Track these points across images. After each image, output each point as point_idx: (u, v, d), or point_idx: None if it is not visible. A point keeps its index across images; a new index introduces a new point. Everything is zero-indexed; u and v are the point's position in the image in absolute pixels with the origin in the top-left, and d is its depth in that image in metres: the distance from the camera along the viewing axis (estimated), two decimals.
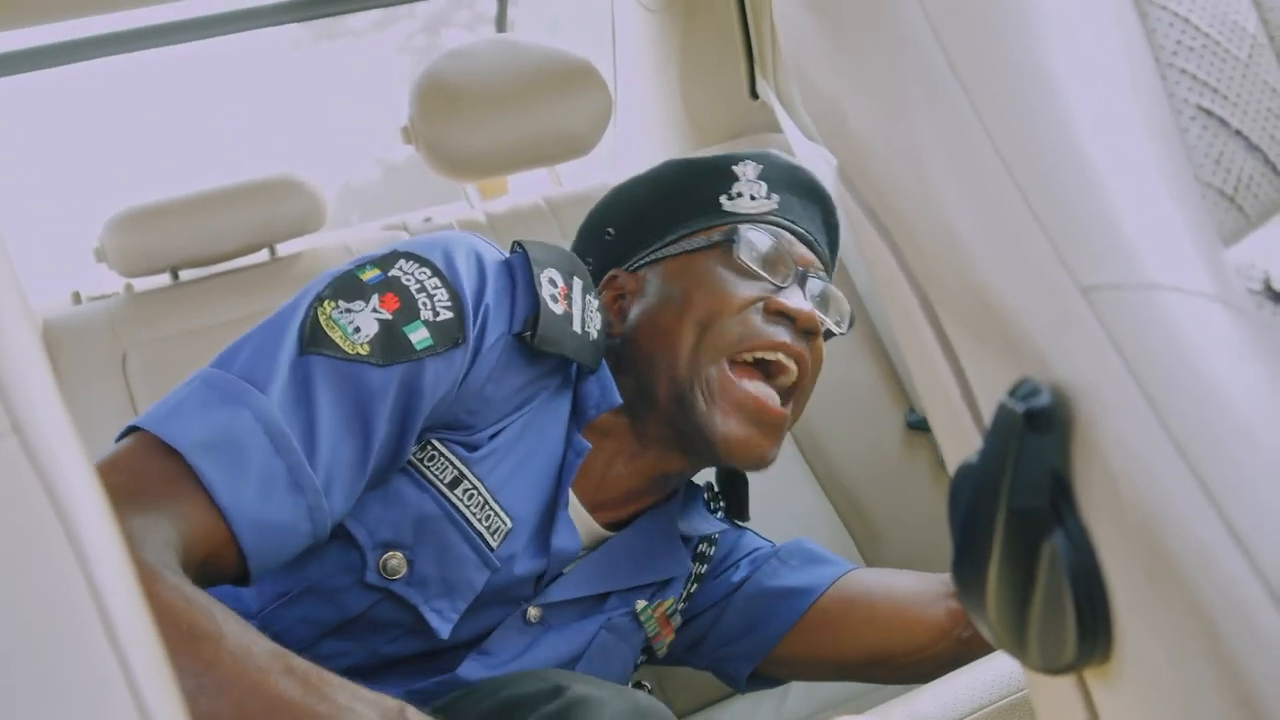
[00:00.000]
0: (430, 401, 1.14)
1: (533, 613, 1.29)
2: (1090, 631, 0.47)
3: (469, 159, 1.98)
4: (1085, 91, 0.51)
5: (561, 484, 1.27)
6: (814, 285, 1.34)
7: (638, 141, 2.52)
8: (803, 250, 1.35)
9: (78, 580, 0.37)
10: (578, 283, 1.27)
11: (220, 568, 1.04)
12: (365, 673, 1.23)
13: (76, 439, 0.41)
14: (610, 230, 1.43)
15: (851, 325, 1.40)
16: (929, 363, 0.56)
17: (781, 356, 1.27)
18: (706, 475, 1.54)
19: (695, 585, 1.44)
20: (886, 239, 0.56)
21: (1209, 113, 0.53)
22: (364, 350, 1.10)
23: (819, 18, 0.59)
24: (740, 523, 1.52)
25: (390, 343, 1.11)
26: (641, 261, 1.38)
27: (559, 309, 1.21)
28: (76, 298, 2.07)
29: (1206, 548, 0.41)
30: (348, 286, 1.14)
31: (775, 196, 1.37)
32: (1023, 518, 0.47)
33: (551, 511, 1.27)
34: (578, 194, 2.17)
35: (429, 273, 1.16)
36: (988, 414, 0.49)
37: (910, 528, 1.87)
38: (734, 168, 1.38)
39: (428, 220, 2.16)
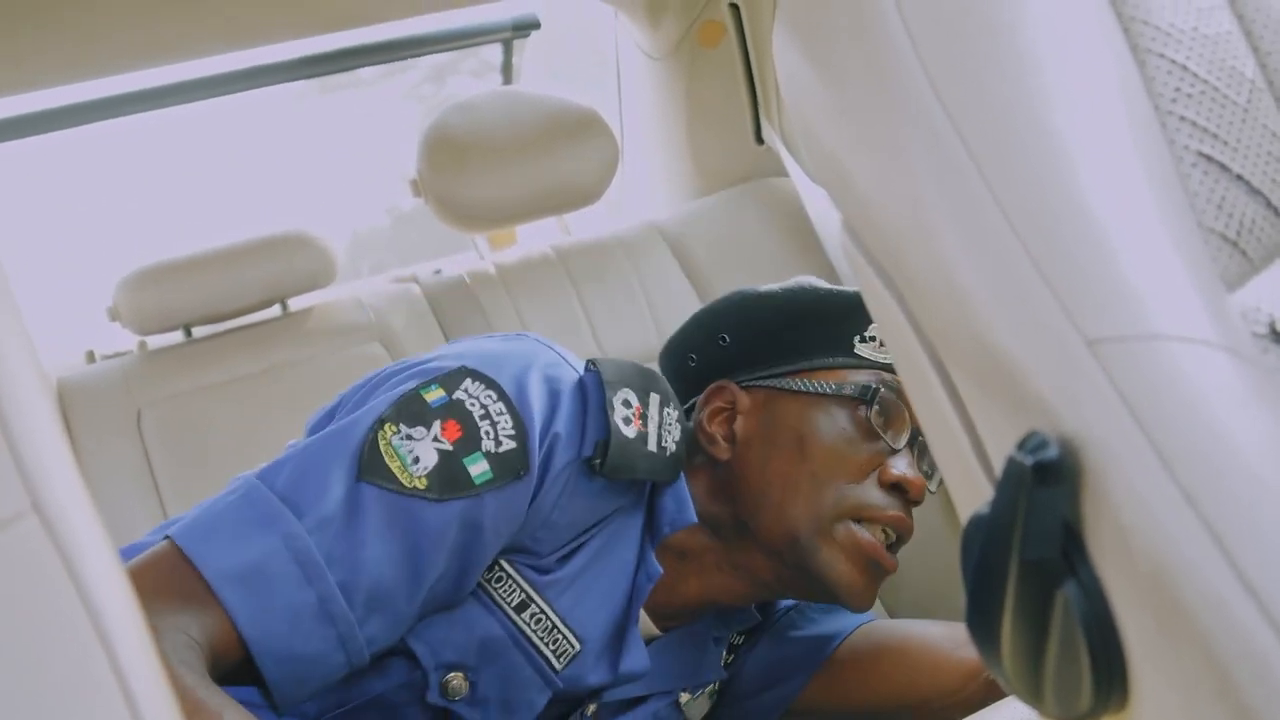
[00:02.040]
0: (493, 534, 1.12)
1: (590, 709, 1.29)
2: (1106, 681, 0.47)
3: (478, 211, 2.00)
4: (1085, 142, 0.51)
5: (632, 606, 1.26)
6: (919, 442, 1.32)
7: (645, 188, 2.53)
8: None
9: (101, 661, 0.37)
10: (654, 398, 1.23)
11: (242, 673, 1.03)
12: None
13: (96, 515, 0.41)
14: (725, 337, 1.38)
15: (940, 483, 1.35)
16: (939, 414, 0.56)
17: (889, 529, 1.27)
18: None
19: (732, 657, 1.44)
20: (893, 292, 0.57)
21: (1209, 158, 0.54)
22: (421, 485, 1.07)
23: (820, 73, 0.59)
24: None
25: (449, 477, 1.08)
26: (759, 381, 1.34)
27: (632, 431, 1.18)
28: (91, 356, 2.08)
29: (1218, 597, 0.41)
30: (411, 410, 1.11)
31: None
32: (1035, 568, 0.47)
33: (620, 631, 1.26)
34: (586, 243, 2.18)
35: (494, 396, 1.13)
36: (998, 465, 0.49)
37: (928, 571, 1.85)
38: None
39: (438, 272, 2.16)
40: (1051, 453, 0.46)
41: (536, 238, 2.40)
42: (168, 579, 1.01)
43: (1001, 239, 0.49)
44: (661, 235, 2.18)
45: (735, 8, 2.22)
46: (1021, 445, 0.47)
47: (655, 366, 1.41)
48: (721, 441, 1.31)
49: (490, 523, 1.11)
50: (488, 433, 1.11)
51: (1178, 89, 0.54)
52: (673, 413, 1.25)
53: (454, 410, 1.11)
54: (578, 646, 1.21)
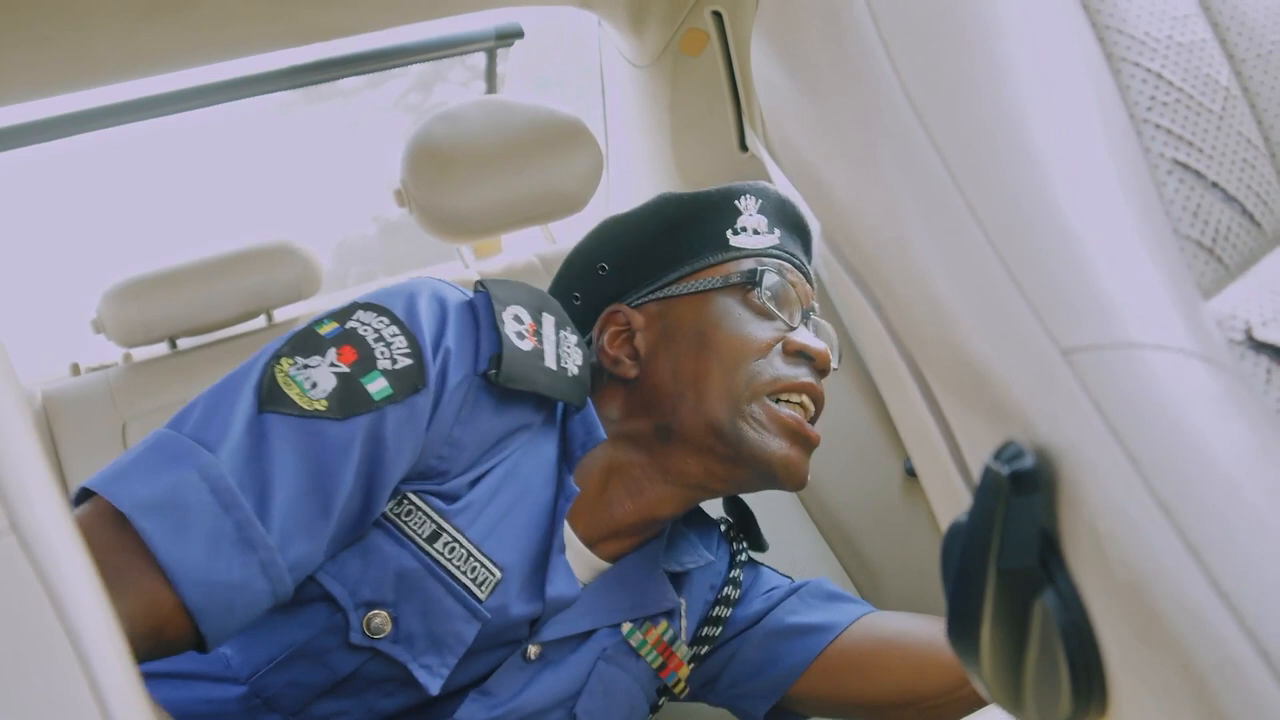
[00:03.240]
0: (397, 450, 1.13)
1: (532, 650, 1.28)
2: (1085, 688, 0.47)
3: (463, 220, 2.00)
4: (1061, 152, 0.51)
5: (554, 529, 1.26)
6: (818, 321, 1.37)
7: (629, 195, 2.53)
8: (804, 286, 1.37)
9: (78, 678, 0.37)
10: (548, 319, 1.26)
11: (174, 636, 1.02)
12: None
13: (75, 533, 0.41)
14: (604, 265, 1.43)
15: (840, 358, 1.43)
16: (917, 422, 0.56)
17: (805, 398, 1.30)
18: (716, 510, 1.55)
19: (719, 625, 1.44)
20: (871, 301, 0.57)
21: (1185, 166, 0.54)
22: (322, 406, 1.09)
23: (797, 83, 0.60)
24: (757, 555, 1.53)
25: (348, 396, 1.10)
26: (647, 297, 1.38)
27: (526, 345, 1.21)
28: (75, 369, 2.08)
29: (1194, 605, 0.42)
30: (305, 342, 1.14)
31: (776, 230, 1.39)
32: (1013, 577, 0.47)
33: (544, 557, 1.26)
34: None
35: (387, 321, 1.15)
36: (977, 473, 0.49)
37: (910, 573, 1.86)
38: (735, 201, 1.39)
39: None
40: (1027, 462, 0.46)
41: (522, 246, 2.40)
42: (89, 542, 1.00)
43: (977, 249, 0.50)
44: None
45: (718, 16, 2.23)
46: (998, 455, 0.47)
47: None
48: (626, 360, 1.35)
49: (393, 438, 1.12)
50: (383, 353, 1.13)
51: (1153, 97, 0.55)
52: (570, 336, 1.28)
53: (348, 337, 1.13)
54: (498, 574, 1.21)
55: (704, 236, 1.38)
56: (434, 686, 1.20)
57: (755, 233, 1.37)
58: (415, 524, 1.18)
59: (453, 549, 1.19)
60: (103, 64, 1.96)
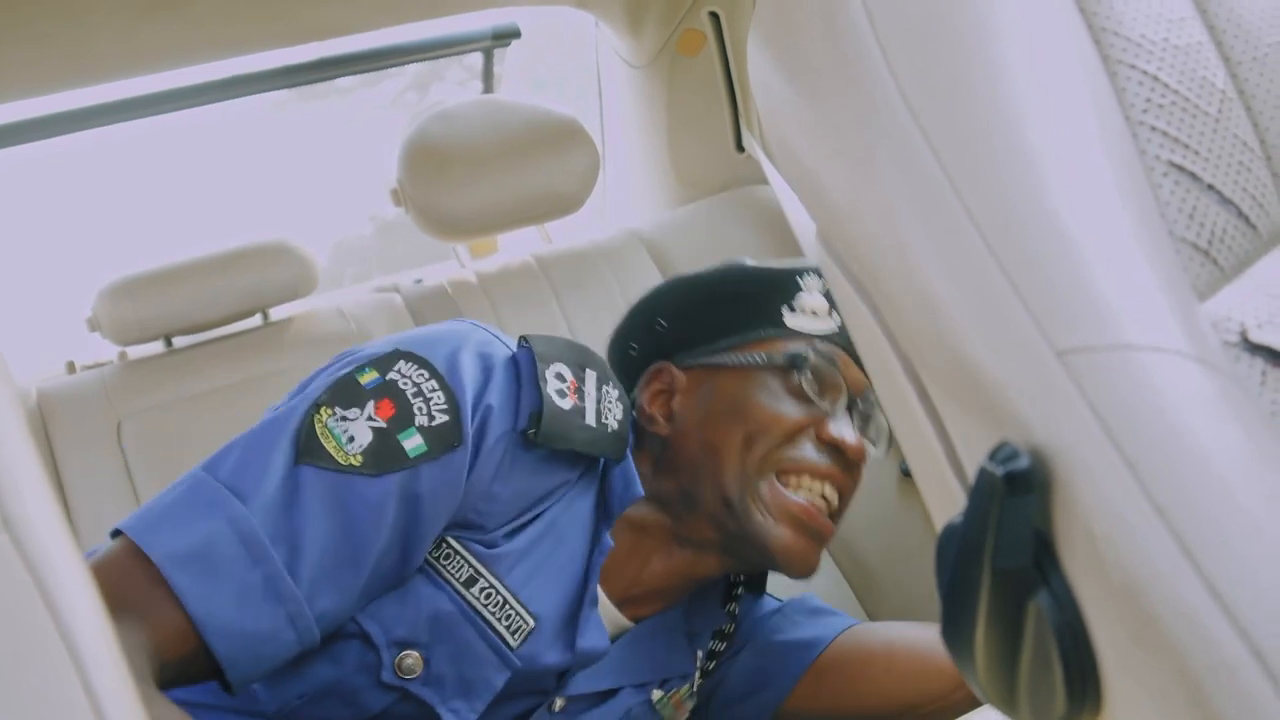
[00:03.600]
0: (433, 506, 1.13)
1: (558, 703, 1.29)
2: (1079, 689, 0.47)
3: (459, 220, 1.99)
4: (1057, 154, 0.51)
5: (588, 582, 1.26)
6: (861, 406, 1.34)
7: (626, 196, 2.53)
8: (856, 373, 1.34)
9: (73, 682, 0.37)
10: (590, 374, 1.26)
11: (200, 669, 1.04)
12: None
13: (68, 531, 0.41)
14: (662, 322, 1.42)
15: (890, 446, 1.39)
16: (912, 423, 0.56)
17: (827, 489, 1.29)
18: None
19: (714, 664, 1.44)
20: (867, 302, 0.57)
21: (1181, 168, 0.54)
22: (357, 461, 1.10)
23: (793, 85, 0.60)
24: (756, 592, 1.52)
25: (383, 452, 1.11)
26: (694, 361, 1.37)
27: (566, 404, 1.20)
28: (71, 367, 2.07)
29: (1189, 608, 0.42)
30: (345, 392, 1.14)
31: (836, 315, 1.36)
32: (1007, 578, 0.47)
33: (576, 609, 1.26)
34: (568, 251, 2.17)
35: (427, 375, 1.15)
36: (972, 474, 0.49)
37: (909, 576, 1.86)
38: (800, 279, 1.37)
39: (418, 281, 2.16)
40: (1022, 463, 0.46)
41: (518, 246, 2.40)
42: (119, 577, 1.03)
43: (973, 250, 0.50)
44: (643, 243, 2.18)
45: (715, 16, 2.23)
46: (993, 455, 0.47)
47: None
48: (661, 420, 1.34)
49: (429, 495, 1.12)
50: (420, 409, 1.13)
51: (1149, 99, 0.55)
52: (612, 391, 1.28)
53: (387, 390, 1.14)
54: (532, 623, 1.21)
55: (760, 310, 1.36)
56: None
57: (814, 314, 1.36)
58: (453, 568, 1.19)
59: (489, 595, 1.19)
60: (101, 62, 1.96)
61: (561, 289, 2.09)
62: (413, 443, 1.12)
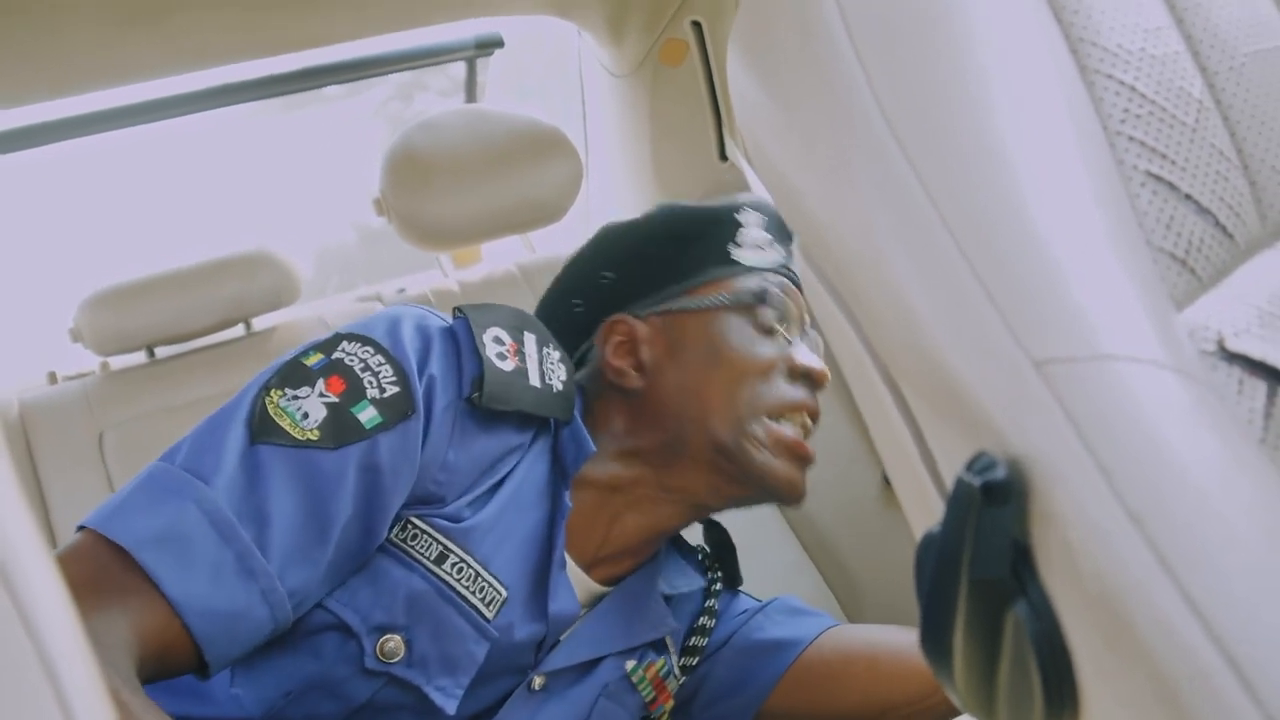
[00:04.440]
0: (393, 476, 1.14)
1: (537, 681, 1.28)
2: (1056, 697, 0.47)
3: (442, 229, 1.99)
4: (1034, 164, 0.51)
5: (553, 546, 1.27)
6: (816, 338, 1.37)
7: (610, 205, 2.53)
8: (801, 299, 1.37)
9: (43, 684, 0.37)
10: (529, 337, 1.28)
11: (179, 658, 1.04)
12: None
13: (40, 539, 0.41)
14: (607, 274, 1.42)
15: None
16: (892, 433, 0.56)
17: (805, 417, 1.31)
18: (697, 538, 1.55)
19: (695, 656, 1.44)
20: (845, 313, 0.57)
21: (1158, 178, 0.54)
22: (314, 436, 1.11)
23: (770, 95, 0.60)
24: (732, 586, 1.53)
25: (339, 425, 1.12)
26: (650, 309, 1.37)
27: (508, 365, 1.22)
28: (53, 378, 2.07)
29: (1165, 617, 0.42)
30: (293, 374, 1.15)
31: (778, 246, 1.39)
32: (985, 587, 0.47)
33: (544, 575, 1.26)
34: (551, 260, 2.17)
35: (372, 350, 1.17)
36: (950, 483, 0.49)
37: (890, 583, 1.86)
38: (738, 215, 1.39)
39: (401, 291, 2.16)
40: (999, 473, 0.46)
41: (501, 255, 2.40)
42: (88, 570, 1.03)
43: (949, 261, 0.50)
44: None
45: (698, 26, 2.23)
46: (970, 465, 0.47)
47: None
48: (631, 372, 1.34)
49: (388, 464, 1.13)
50: (370, 383, 1.14)
51: (1126, 109, 0.55)
52: (553, 353, 1.30)
53: (335, 368, 1.15)
54: (504, 593, 1.22)
55: (708, 250, 1.38)
56: (450, 707, 1.21)
57: (759, 248, 1.38)
58: (421, 547, 1.19)
59: (461, 569, 1.20)
60: (82, 72, 1.95)
61: None
62: (367, 415, 1.13)
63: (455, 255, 2.45)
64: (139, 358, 2.01)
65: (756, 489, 1.30)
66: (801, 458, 1.30)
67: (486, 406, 1.19)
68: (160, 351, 2.01)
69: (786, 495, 1.30)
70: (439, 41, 2.44)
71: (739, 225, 1.38)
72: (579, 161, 2.07)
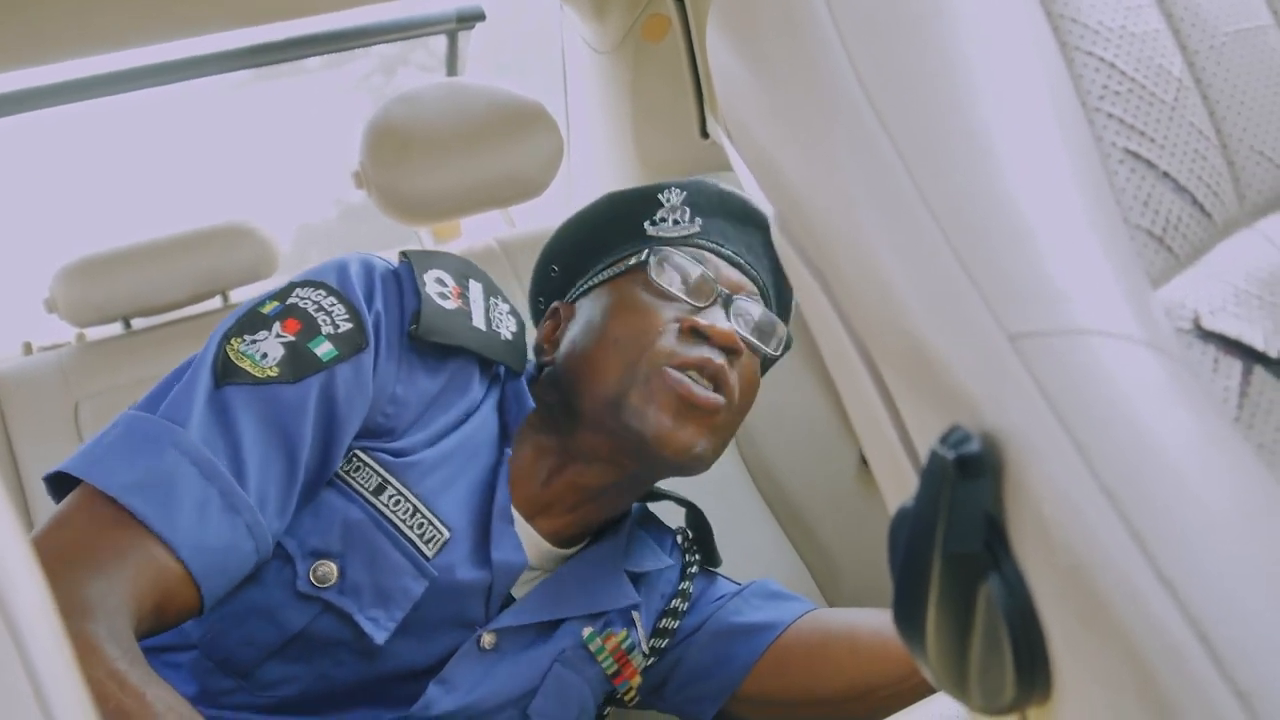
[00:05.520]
0: (349, 406, 1.20)
1: (487, 639, 1.30)
2: (1029, 673, 0.47)
3: (421, 203, 1.98)
4: (1012, 139, 0.51)
5: (495, 494, 1.29)
6: (744, 307, 1.35)
7: (591, 181, 2.53)
8: (729, 272, 1.36)
9: (12, 657, 0.36)
10: (475, 284, 1.34)
11: (176, 607, 1.09)
12: (324, 702, 1.25)
13: (17, 517, 0.40)
14: (554, 268, 1.48)
15: (787, 348, 1.41)
16: (867, 408, 0.56)
17: (694, 374, 1.27)
18: (677, 519, 1.55)
19: (666, 637, 1.44)
20: (823, 286, 0.57)
21: (1136, 155, 0.54)
22: (274, 372, 1.17)
23: (751, 69, 0.59)
24: (710, 568, 1.53)
25: (298, 360, 1.18)
26: (576, 293, 1.43)
27: (449, 304, 1.27)
28: (28, 348, 2.06)
29: (1137, 593, 0.42)
30: (251, 321, 1.22)
31: (699, 220, 1.39)
32: (958, 562, 0.47)
33: (488, 522, 1.28)
34: (531, 235, 2.17)
35: (324, 293, 1.23)
36: (925, 458, 0.49)
37: (868, 563, 1.87)
38: (659, 195, 1.41)
39: None
40: (973, 447, 0.46)
41: (481, 230, 2.39)
42: (81, 535, 1.07)
43: (926, 234, 0.50)
44: None
45: (680, 2, 2.22)
46: (944, 439, 0.47)
47: None
48: (548, 349, 1.40)
49: (344, 394, 1.20)
50: (324, 321, 1.21)
51: (1105, 86, 0.55)
52: (502, 305, 1.36)
53: (290, 311, 1.22)
54: (446, 534, 1.25)
55: (624, 230, 1.41)
56: (379, 637, 1.23)
57: (675, 223, 1.39)
58: (362, 478, 1.23)
59: (398, 502, 1.23)
60: (57, 41, 1.94)
61: (524, 273, 2.07)
62: (323, 349, 1.19)
63: (435, 230, 2.44)
64: (115, 329, 2.00)
65: (639, 447, 1.26)
66: (692, 405, 1.26)
67: (425, 339, 1.24)
68: (137, 323, 2.00)
69: (662, 447, 1.26)
70: (421, 14, 2.43)
71: (658, 203, 1.41)
72: (560, 137, 2.06)
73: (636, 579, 1.43)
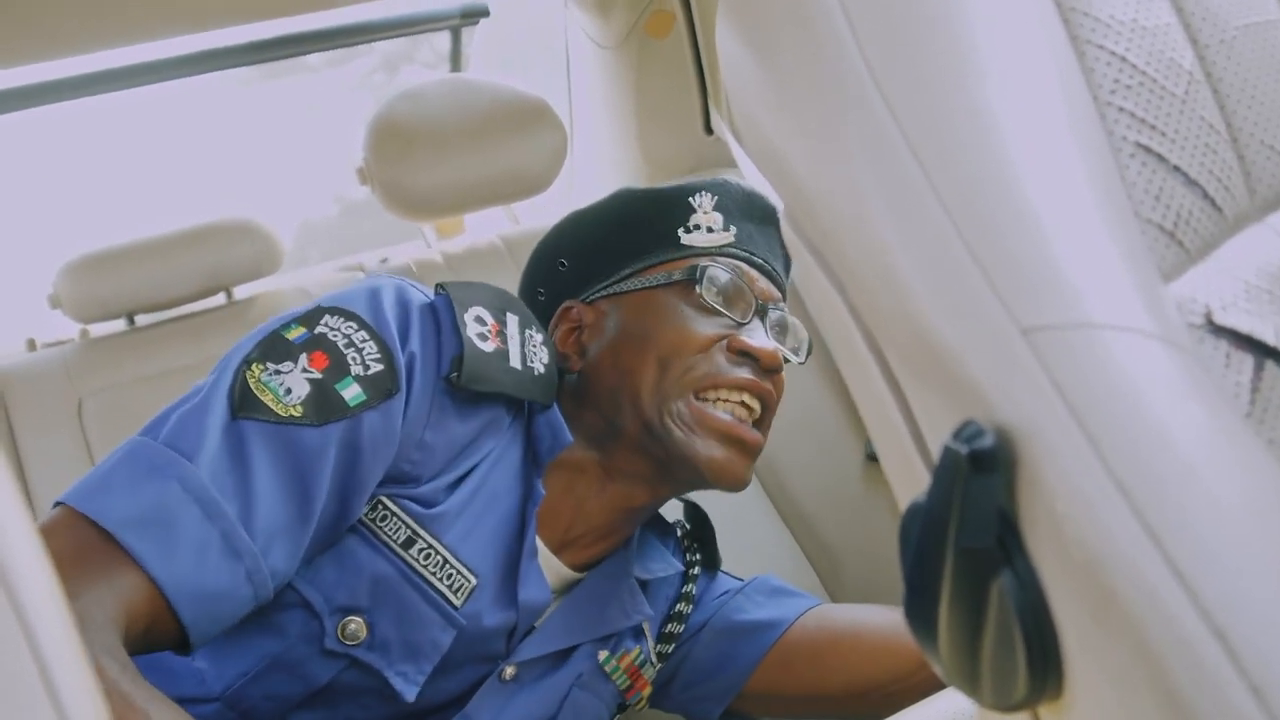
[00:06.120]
0: (373, 455, 1.13)
1: (509, 671, 1.28)
2: (1041, 669, 0.47)
3: (425, 199, 1.98)
4: (1024, 133, 0.51)
5: (525, 534, 1.26)
6: (777, 318, 1.35)
7: (594, 177, 2.52)
8: (763, 284, 1.35)
9: (29, 663, 0.36)
10: (511, 318, 1.26)
11: (162, 636, 1.03)
12: None
13: (24, 508, 0.40)
14: (564, 261, 1.43)
15: (809, 353, 1.41)
16: (877, 402, 0.56)
17: (746, 398, 1.28)
18: (676, 514, 1.54)
19: (672, 643, 1.43)
20: (832, 280, 0.57)
21: (1148, 149, 0.54)
22: (297, 412, 1.09)
23: (760, 60, 0.59)
24: (711, 569, 1.52)
25: (323, 402, 1.10)
26: (598, 294, 1.38)
27: (489, 346, 1.21)
28: (31, 345, 2.06)
29: (1150, 587, 0.42)
30: (274, 348, 1.14)
31: (733, 228, 1.37)
32: (970, 557, 0.47)
33: (515, 562, 1.26)
34: (534, 232, 2.16)
35: (355, 326, 1.15)
36: (936, 453, 0.49)
37: (872, 560, 1.86)
38: (690, 199, 1.37)
39: (384, 261, 2.15)
40: (986, 441, 0.46)
41: (484, 227, 2.39)
42: (72, 545, 1.01)
43: (938, 227, 0.49)
44: None
45: None
46: (957, 434, 0.47)
47: None
48: (574, 357, 1.35)
49: (369, 443, 1.12)
50: (354, 359, 1.13)
51: (1116, 80, 0.55)
52: (536, 335, 1.28)
53: (318, 343, 1.14)
54: (474, 580, 1.21)
55: (656, 234, 1.37)
56: (409, 694, 1.20)
57: (709, 230, 1.36)
58: (391, 530, 1.18)
59: (428, 555, 1.19)
60: (65, 36, 1.94)
61: None
62: (351, 392, 1.12)
63: (438, 226, 2.44)
64: (119, 325, 2.00)
65: (684, 471, 1.27)
66: (735, 440, 1.27)
67: (465, 387, 1.18)
68: (140, 319, 2.00)
69: (712, 478, 1.27)
70: (425, 10, 2.43)
71: (690, 208, 1.37)
72: (564, 133, 2.06)
73: (644, 584, 1.42)
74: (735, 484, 1.28)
